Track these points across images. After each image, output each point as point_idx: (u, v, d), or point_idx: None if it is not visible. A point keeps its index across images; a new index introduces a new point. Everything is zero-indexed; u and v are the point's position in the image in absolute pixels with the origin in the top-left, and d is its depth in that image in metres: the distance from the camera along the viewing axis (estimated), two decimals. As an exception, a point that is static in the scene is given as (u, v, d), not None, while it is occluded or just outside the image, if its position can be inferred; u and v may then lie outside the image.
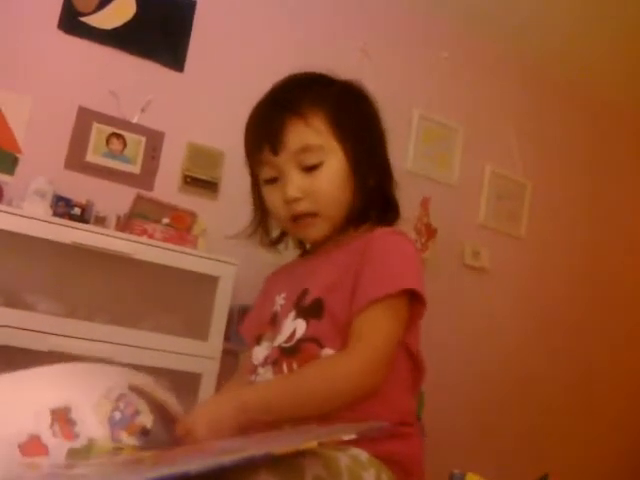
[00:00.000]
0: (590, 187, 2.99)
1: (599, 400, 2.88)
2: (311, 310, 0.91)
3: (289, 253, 1.14)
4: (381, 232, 0.95)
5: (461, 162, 2.63)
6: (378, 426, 0.70)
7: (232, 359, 1.93)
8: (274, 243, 1.09)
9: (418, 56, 2.60)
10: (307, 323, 0.90)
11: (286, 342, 0.91)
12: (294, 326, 0.91)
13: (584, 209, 2.96)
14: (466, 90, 2.68)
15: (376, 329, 0.85)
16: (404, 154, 2.47)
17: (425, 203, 2.45)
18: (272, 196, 0.99)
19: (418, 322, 0.93)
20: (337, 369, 0.84)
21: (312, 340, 0.89)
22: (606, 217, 3.02)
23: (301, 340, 0.89)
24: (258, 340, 1.00)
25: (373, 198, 0.99)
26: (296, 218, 0.97)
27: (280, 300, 1.01)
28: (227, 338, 1.82)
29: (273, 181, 0.98)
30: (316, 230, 0.98)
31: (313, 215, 0.96)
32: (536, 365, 2.71)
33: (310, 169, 0.94)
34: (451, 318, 2.48)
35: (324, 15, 2.42)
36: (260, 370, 0.95)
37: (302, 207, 0.95)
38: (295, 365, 0.89)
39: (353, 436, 0.65)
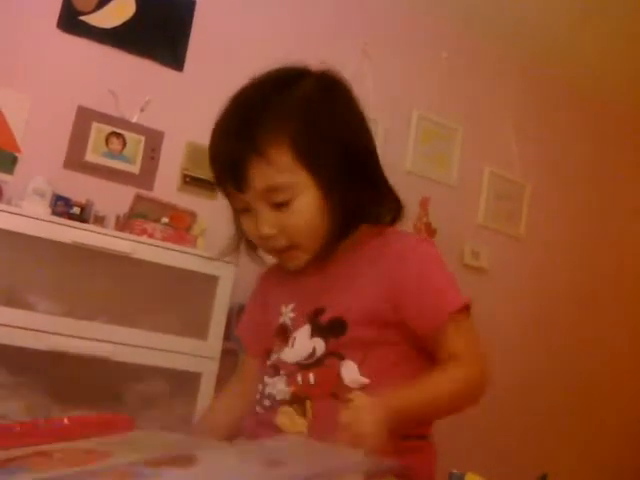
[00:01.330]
0: (589, 187, 2.99)
1: (599, 400, 2.88)
2: (330, 329, 0.89)
3: (254, 257, 1.10)
4: (405, 244, 0.92)
5: (460, 162, 2.64)
6: (390, 465, 0.68)
7: (232, 358, 1.92)
8: (256, 248, 1.02)
9: (418, 56, 2.60)
10: (326, 342, 0.88)
11: (306, 360, 0.89)
12: (312, 345, 0.89)
13: (583, 209, 2.96)
14: (465, 90, 2.68)
15: (469, 341, 0.88)
16: (403, 154, 2.47)
17: (424, 203, 2.45)
18: (247, 225, 0.93)
19: None
20: (463, 376, 0.85)
21: (333, 354, 0.87)
22: (605, 217, 3.02)
23: (322, 357, 0.88)
24: (268, 354, 0.97)
25: (358, 206, 0.92)
26: (276, 251, 0.93)
27: (288, 312, 0.96)
28: (227, 337, 1.82)
29: (245, 210, 0.91)
30: (298, 262, 0.93)
31: (293, 248, 0.91)
32: (535, 365, 2.72)
33: (280, 205, 0.87)
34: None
35: (324, 15, 2.42)
36: (268, 380, 0.93)
37: (279, 243, 0.90)
38: (312, 376, 0.87)
39: (361, 478, 0.63)
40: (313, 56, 2.46)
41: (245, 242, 1.00)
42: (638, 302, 3.06)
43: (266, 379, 0.93)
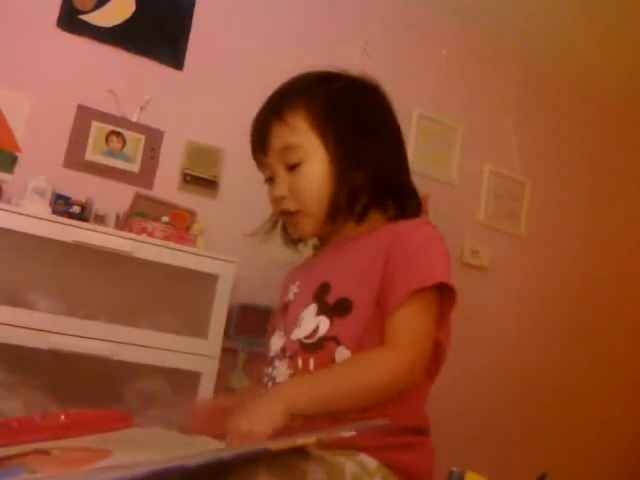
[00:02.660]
0: (589, 185, 2.99)
1: (599, 398, 2.88)
2: (336, 309, 0.91)
3: (293, 249, 1.15)
4: (408, 225, 0.96)
5: (460, 161, 2.63)
6: (378, 423, 0.70)
7: (231, 357, 1.93)
8: (295, 241, 1.11)
9: (417, 55, 2.59)
10: (331, 321, 0.90)
11: (307, 338, 0.91)
12: (317, 322, 0.91)
13: (583, 207, 2.96)
14: (465, 89, 2.68)
15: (414, 325, 0.86)
16: (403, 153, 2.46)
17: (424, 202, 2.43)
18: (269, 193, 1.03)
19: (449, 315, 0.93)
20: (381, 363, 0.83)
21: (332, 339, 0.89)
22: (605, 214, 3.02)
23: (323, 338, 0.89)
24: (273, 330, 1.01)
25: (367, 192, 0.98)
26: (285, 215, 1.02)
27: (294, 289, 1.02)
28: (227, 336, 1.83)
29: (270, 180, 1.02)
30: (302, 227, 1.01)
31: (297, 213, 0.99)
32: (535, 363, 2.71)
33: (293, 167, 0.97)
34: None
35: (324, 13, 2.42)
36: (277, 363, 0.95)
37: (286, 205, 0.99)
38: (312, 361, 0.88)
39: (353, 433, 0.64)
40: (313, 55, 2.48)
41: (282, 223, 1.10)
42: (638, 300, 3.05)
43: (276, 362, 0.95)
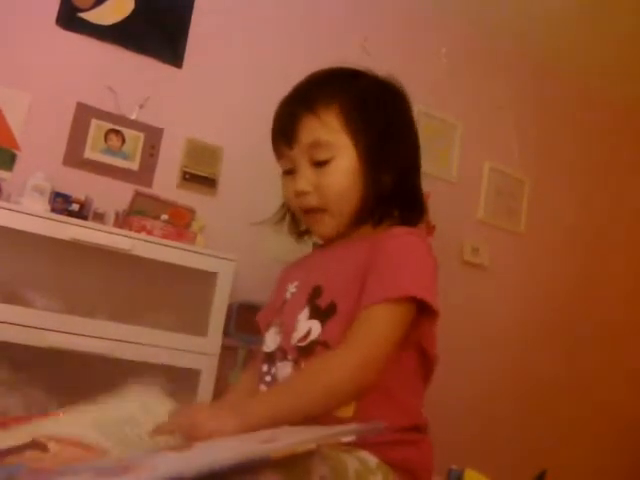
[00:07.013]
0: (589, 182, 2.99)
1: (599, 396, 2.88)
2: (327, 313, 0.91)
3: (293, 246, 1.15)
4: (396, 232, 0.95)
5: (460, 158, 2.63)
6: (378, 427, 0.69)
7: (231, 355, 1.93)
8: (301, 234, 1.10)
9: (417, 52, 2.59)
10: (322, 326, 0.90)
11: (300, 342, 0.90)
12: (309, 326, 0.91)
13: (583, 205, 2.96)
14: (465, 86, 2.68)
15: (373, 329, 0.84)
16: (403, 150, 2.46)
17: (426, 202, 2.44)
18: (286, 187, 1.01)
19: (434, 327, 0.91)
20: (331, 366, 0.82)
21: (323, 343, 0.88)
22: (605, 212, 3.02)
23: (314, 342, 0.89)
24: (268, 327, 1.01)
25: (389, 196, 0.98)
26: (306, 212, 0.99)
27: (292, 288, 1.01)
28: (226, 334, 1.83)
29: (290, 172, 0.99)
30: (324, 227, 0.98)
31: (322, 211, 0.96)
32: (535, 360, 2.72)
33: (320, 164, 0.95)
34: (450, 315, 2.47)
35: (323, 11, 2.41)
36: (278, 364, 0.94)
37: (310, 201, 0.96)
38: (304, 366, 0.89)
39: (352, 437, 0.64)
40: (313, 52, 2.48)
41: (290, 216, 1.08)
42: (638, 298, 3.05)
43: (278, 362, 0.95)
